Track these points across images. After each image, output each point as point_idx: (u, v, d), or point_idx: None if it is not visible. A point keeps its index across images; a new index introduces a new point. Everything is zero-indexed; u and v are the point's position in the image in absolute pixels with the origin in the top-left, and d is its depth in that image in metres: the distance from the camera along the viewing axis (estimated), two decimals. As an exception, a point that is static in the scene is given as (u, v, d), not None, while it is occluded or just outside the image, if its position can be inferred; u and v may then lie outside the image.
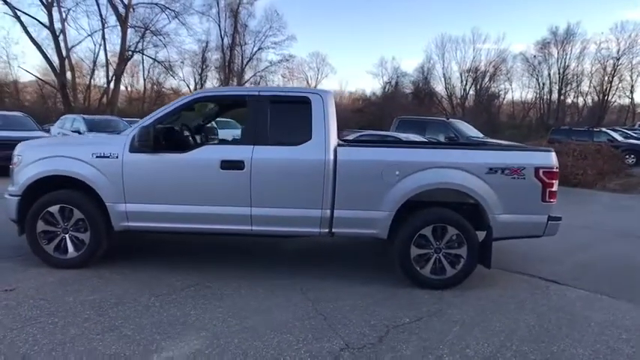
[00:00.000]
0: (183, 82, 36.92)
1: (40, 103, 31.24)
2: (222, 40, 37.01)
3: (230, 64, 37.69)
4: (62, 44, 27.59)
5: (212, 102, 4.42)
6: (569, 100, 40.98)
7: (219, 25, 36.56)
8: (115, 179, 3.90)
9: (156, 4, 30.15)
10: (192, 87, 37.09)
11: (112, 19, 29.78)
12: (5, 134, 9.38)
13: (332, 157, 3.89)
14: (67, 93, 28.28)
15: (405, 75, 42.33)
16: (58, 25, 27.20)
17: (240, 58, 39.05)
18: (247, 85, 37.70)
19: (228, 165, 3.87)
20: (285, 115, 4.03)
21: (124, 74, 33.76)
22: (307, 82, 45.59)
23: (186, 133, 4.59)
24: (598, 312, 3.65)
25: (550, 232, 4.10)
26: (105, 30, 29.59)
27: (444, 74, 41.61)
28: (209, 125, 5.90)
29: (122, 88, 34.50)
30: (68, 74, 28.36)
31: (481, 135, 12.33)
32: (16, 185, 4.02)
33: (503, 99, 42.32)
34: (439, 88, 41.95)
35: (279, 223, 3.97)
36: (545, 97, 40.97)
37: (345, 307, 3.54)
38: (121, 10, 29.33)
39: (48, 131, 13.38)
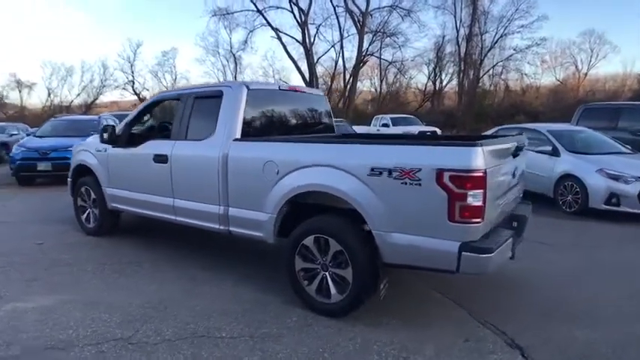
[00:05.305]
0: (426, 76, 37.68)
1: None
2: (458, 31, 35.60)
3: (466, 56, 35.85)
4: (310, 59, 32.81)
5: (164, 102, 4.89)
6: None
7: (454, 16, 35.32)
8: (105, 168, 4.93)
9: (390, 6, 31.84)
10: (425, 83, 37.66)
11: (351, 30, 33.33)
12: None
13: (226, 152, 3.77)
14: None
15: None
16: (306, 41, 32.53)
17: (480, 48, 36.52)
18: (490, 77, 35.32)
19: (157, 159, 4.30)
20: (203, 111, 4.13)
21: (363, 78, 37.20)
22: (576, 67, 38.41)
23: (150, 129, 5.12)
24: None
25: (469, 268, 2.75)
26: (343, 39, 33.38)
27: None
28: None
29: (364, 89, 38.20)
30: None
31: None
32: (70, 172, 5.59)
33: None
34: None
35: (192, 215, 4.13)
36: None
37: (196, 307, 3.44)
38: (358, 17, 32.40)
39: None
